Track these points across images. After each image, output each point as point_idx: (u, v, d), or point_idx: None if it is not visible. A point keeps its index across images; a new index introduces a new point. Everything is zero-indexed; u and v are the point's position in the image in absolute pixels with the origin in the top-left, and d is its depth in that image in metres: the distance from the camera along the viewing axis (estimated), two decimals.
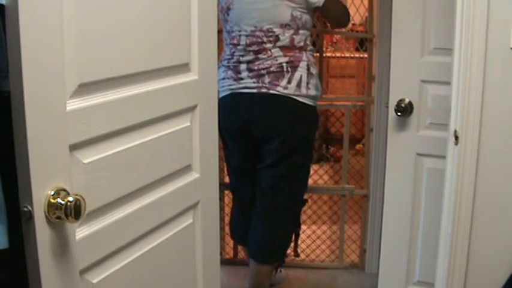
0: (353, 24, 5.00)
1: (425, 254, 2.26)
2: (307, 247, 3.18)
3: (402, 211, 2.30)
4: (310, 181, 3.22)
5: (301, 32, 2.27)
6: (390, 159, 2.31)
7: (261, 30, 2.23)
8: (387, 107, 2.25)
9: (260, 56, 2.25)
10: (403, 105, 2.19)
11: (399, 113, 2.20)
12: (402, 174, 2.29)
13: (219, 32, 2.89)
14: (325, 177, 4.01)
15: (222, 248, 3.11)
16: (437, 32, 2.10)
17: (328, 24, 2.91)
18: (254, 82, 2.26)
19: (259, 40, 2.24)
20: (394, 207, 2.32)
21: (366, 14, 2.91)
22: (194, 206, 1.60)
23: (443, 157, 1.77)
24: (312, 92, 2.31)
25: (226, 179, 3.12)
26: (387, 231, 2.36)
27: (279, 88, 2.23)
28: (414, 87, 2.19)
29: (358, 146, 4.44)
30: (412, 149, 2.25)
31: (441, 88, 2.06)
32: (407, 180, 2.28)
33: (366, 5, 2.86)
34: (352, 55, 4.66)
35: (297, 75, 2.26)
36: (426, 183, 2.24)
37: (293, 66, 2.25)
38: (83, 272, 1.20)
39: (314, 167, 3.79)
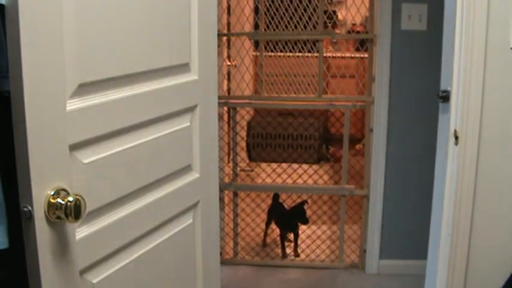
0: (353, 24, 5.01)
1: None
2: (307, 247, 3.18)
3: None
4: (310, 181, 3.24)
5: None
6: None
7: None
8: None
9: None
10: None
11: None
12: None
13: (219, 34, 2.91)
14: (325, 177, 4.02)
15: (222, 248, 3.11)
16: None
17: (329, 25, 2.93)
18: None
19: None
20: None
21: (367, 13, 2.91)
22: (194, 206, 1.60)
23: None
24: None
25: (226, 179, 3.13)
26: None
27: None
28: None
29: (358, 146, 4.44)
30: None
31: None
32: None
33: (367, 5, 2.86)
34: (352, 55, 4.67)
35: None
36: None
37: None
38: (83, 272, 1.20)
39: (314, 167, 3.80)
